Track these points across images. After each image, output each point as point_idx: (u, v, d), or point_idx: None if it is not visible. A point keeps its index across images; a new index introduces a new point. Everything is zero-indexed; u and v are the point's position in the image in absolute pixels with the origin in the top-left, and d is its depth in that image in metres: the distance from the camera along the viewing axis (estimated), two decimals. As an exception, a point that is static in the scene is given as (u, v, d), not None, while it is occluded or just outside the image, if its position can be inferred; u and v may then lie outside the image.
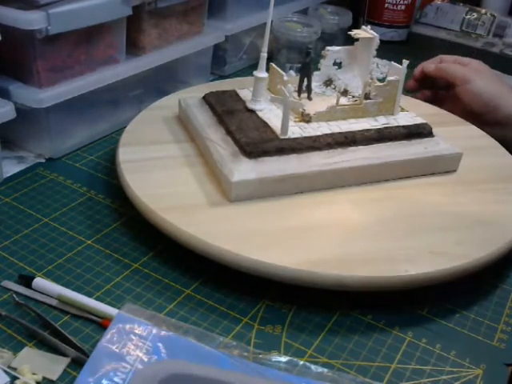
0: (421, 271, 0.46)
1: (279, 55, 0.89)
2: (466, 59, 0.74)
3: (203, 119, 0.60)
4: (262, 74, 0.57)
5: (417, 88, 0.78)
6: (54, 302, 0.44)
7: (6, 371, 0.38)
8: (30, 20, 0.54)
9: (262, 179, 0.52)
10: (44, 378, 0.39)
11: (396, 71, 0.60)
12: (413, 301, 0.48)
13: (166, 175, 0.55)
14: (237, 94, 0.63)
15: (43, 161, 0.63)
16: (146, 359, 0.38)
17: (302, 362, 0.41)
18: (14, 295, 0.44)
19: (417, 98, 0.77)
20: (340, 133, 0.57)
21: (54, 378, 0.39)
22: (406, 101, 0.67)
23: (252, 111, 0.59)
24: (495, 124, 0.70)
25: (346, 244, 0.49)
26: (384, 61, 0.63)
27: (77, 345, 0.40)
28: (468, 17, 1.16)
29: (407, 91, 0.77)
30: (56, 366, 0.39)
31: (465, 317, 0.47)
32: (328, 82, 0.66)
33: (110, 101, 0.68)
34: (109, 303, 0.45)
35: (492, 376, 0.42)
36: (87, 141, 0.67)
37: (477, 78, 0.70)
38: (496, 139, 0.67)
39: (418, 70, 0.76)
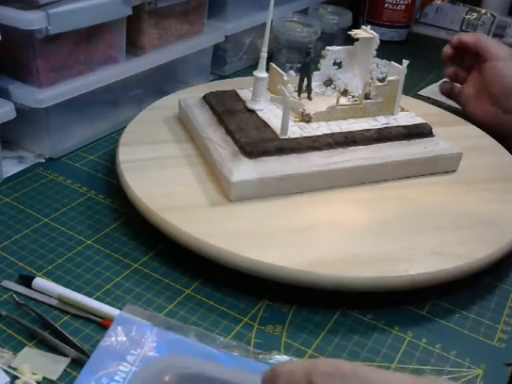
0: (421, 271, 0.46)
1: (279, 55, 0.89)
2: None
3: (203, 119, 0.60)
4: (262, 73, 0.57)
5: (452, 55, 0.77)
6: (54, 302, 0.44)
7: (6, 371, 0.38)
8: (30, 20, 0.54)
9: (262, 179, 0.52)
10: (44, 378, 0.39)
11: (396, 71, 0.60)
12: (413, 301, 0.48)
13: (166, 175, 0.55)
14: (237, 94, 0.63)
15: (43, 161, 0.63)
16: (146, 359, 0.38)
17: (302, 362, 0.41)
18: (14, 295, 0.44)
19: (442, 84, 0.78)
20: (340, 133, 0.57)
21: (54, 377, 0.39)
22: (405, 101, 0.67)
23: (252, 111, 0.59)
24: (509, 111, 0.69)
25: (346, 244, 0.49)
26: (384, 61, 0.63)
27: (77, 345, 0.40)
28: (468, 17, 1.16)
29: (440, 63, 0.78)
30: (56, 365, 0.39)
31: (465, 317, 0.47)
32: (328, 82, 0.66)
33: (110, 101, 0.68)
34: (109, 303, 0.45)
35: (492, 376, 0.42)
36: (87, 141, 0.67)
37: (508, 60, 0.70)
38: (506, 128, 0.67)
39: (455, 39, 0.76)
